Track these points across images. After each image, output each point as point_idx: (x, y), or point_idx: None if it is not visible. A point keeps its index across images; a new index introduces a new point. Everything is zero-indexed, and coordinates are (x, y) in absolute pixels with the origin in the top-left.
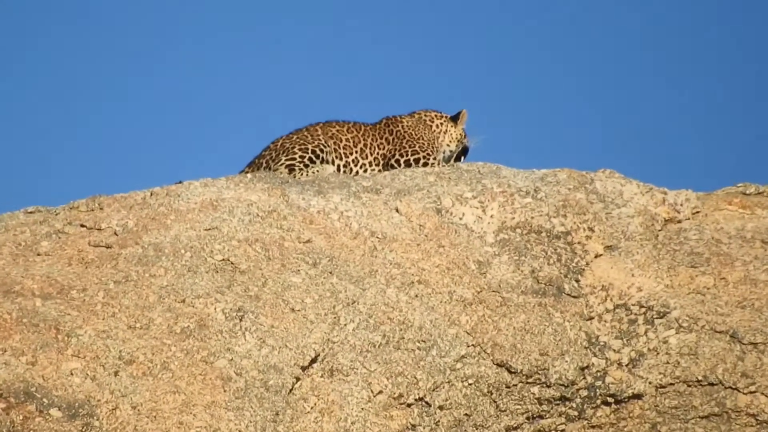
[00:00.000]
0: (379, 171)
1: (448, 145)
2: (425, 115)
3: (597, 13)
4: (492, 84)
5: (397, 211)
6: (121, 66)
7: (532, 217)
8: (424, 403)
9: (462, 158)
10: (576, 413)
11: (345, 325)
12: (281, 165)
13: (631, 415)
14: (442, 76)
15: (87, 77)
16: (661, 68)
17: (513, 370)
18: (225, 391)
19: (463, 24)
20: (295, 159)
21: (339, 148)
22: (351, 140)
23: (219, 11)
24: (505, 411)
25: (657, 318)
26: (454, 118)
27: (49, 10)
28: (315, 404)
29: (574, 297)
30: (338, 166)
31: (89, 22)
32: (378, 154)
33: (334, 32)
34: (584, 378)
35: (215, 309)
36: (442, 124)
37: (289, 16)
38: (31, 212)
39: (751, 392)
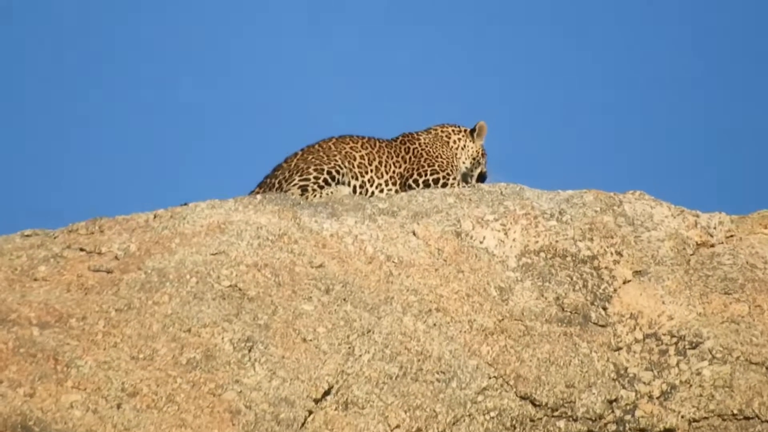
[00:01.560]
0: (396, 191)
1: (464, 163)
2: (442, 131)
3: (626, 27)
4: (515, 100)
5: (414, 234)
6: (122, 78)
7: (557, 241)
8: None
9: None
10: None
11: (360, 355)
12: (294, 185)
13: None
14: (463, 88)
15: (86, 89)
16: (693, 87)
17: (537, 403)
18: (234, 424)
19: (484, 35)
20: (309, 179)
21: (354, 167)
22: (366, 158)
23: (227, 20)
24: None
25: (689, 348)
26: (473, 132)
27: (49, 22)
28: None
29: (602, 326)
30: (354, 186)
31: (86, 35)
32: (394, 172)
33: (351, 41)
34: (612, 412)
35: (222, 339)
36: (459, 139)
37: (301, 23)
38: (27, 235)
39: None
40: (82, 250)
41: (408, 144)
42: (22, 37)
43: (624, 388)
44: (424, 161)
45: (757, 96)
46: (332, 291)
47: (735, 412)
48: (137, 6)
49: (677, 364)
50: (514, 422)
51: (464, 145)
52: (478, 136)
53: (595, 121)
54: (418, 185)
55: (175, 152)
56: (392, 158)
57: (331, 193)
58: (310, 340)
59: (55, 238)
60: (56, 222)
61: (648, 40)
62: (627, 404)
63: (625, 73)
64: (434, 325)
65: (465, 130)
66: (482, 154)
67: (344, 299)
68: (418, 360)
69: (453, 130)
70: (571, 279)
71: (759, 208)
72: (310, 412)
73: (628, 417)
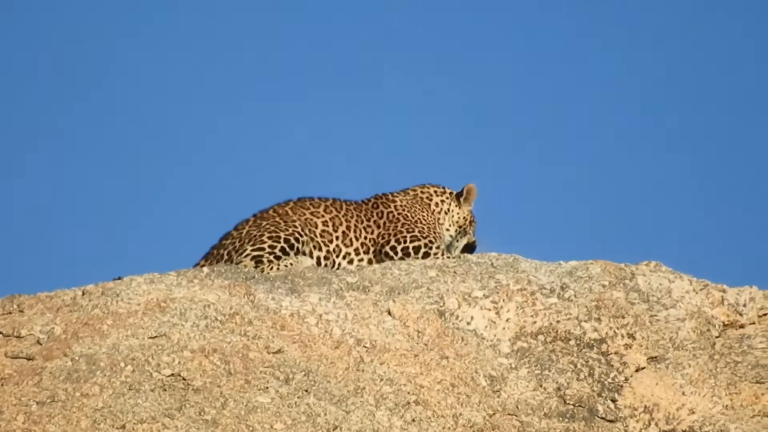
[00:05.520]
0: (369, 261)
1: (447, 230)
2: (422, 192)
3: (638, 77)
4: (508, 159)
5: (389, 313)
6: (46, 132)
7: (558, 321)
8: None
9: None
10: None
11: None
12: (246, 256)
13: None
14: (452, 145)
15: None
16: (718, 144)
17: None
18: None
19: (481, 85)
20: (263, 249)
21: (316, 235)
22: (330, 223)
23: (166, 69)
24: None
25: None
26: (460, 195)
27: None
28: None
29: (610, 421)
30: (317, 258)
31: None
32: (366, 239)
33: (307, 87)
34: None
35: None
36: (443, 202)
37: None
38: None
39: None
40: None
41: (382, 207)
42: None
43: None
44: (402, 226)
45: None
46: (292, 381)
47: None
48: (64, 72)
49: None
50: None
51: (449, 209)
52: (465, 200)
53: (602, 182)
54: (396, 254)
55: (108, 218)
56: (362, 223)
57: (291, 264)
58: None
59: None
60: None
61: (664, 90)
62: None
63: (637, 126)
64: (413, 420)
65: (450, 193)
66: (470, 222)
67: (306, 390)
68: None
69: (435, 191)
70: (575, 366)
71: None
72: None
73: None
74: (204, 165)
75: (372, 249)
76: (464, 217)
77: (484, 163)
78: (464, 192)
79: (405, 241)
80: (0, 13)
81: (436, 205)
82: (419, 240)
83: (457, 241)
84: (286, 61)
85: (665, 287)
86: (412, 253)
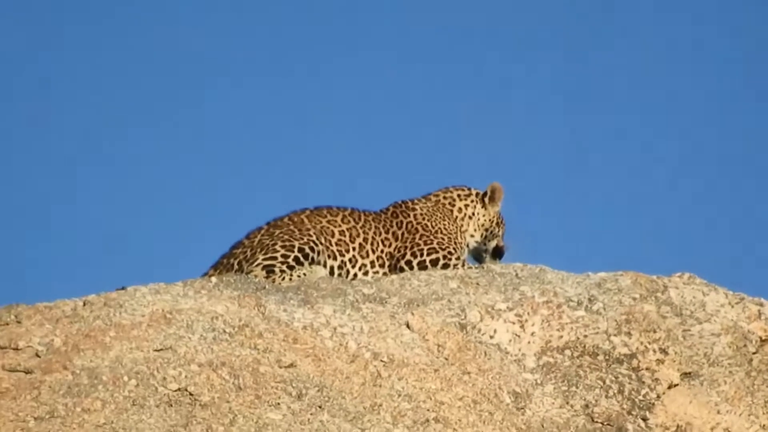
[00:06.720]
0: (384, 274)
1: (472, 236)
2: (444, 197)
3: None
4: (535, 167)
5: (407, 326)
6: (45, 136)
7: (586, 336)
8: None
9: (497, 260)
10: None
11: None
12: (257, 266)
13: None
14: (477, 150)
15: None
16: (755, 153)
17: None
18: None
19: (507, 88)
20: (276, 258)
21: (331, 244)
22: (347, 233)
23: (176, 80)
24: None
25: None
26: (485, 196)
27: None
28: None
29: None
30: (331, 267)
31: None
32: (383, 252)
33: (327, 92)
34: None
35: None
36: (467, 206)
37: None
38: None
39: None
40: None
41: (401, 217)
42: None
43: None
44: (420, 238)
45: None
46: (305, 396)
47: None
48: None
49: None
50: None
51: (473, 213)
52: (491, 201)
53: (634, 190)
54: (411, 268)
55: (111, 224)
56: (380, 234)
57: (304, 275)
58: None
59: None
60: None
61: (694, 98)
62: None
63: (669, 134)
64: None
65: (477, 194)
66: (497, 224)
67: (320, 406)
68: None
69: (459, 195)
70: (604, 383)
71: None
72: None
73: None
74: (216, 171)
75: (389, 263)
76: (490, 219)
77: (511, 170)
78: (489, 192)
79: (422, 254)
80: None
81: (459, 210)
82: (437, 252)
83: (485, 245)
84: (297, 64)
85: (699, 300)
86: (430, 266)
